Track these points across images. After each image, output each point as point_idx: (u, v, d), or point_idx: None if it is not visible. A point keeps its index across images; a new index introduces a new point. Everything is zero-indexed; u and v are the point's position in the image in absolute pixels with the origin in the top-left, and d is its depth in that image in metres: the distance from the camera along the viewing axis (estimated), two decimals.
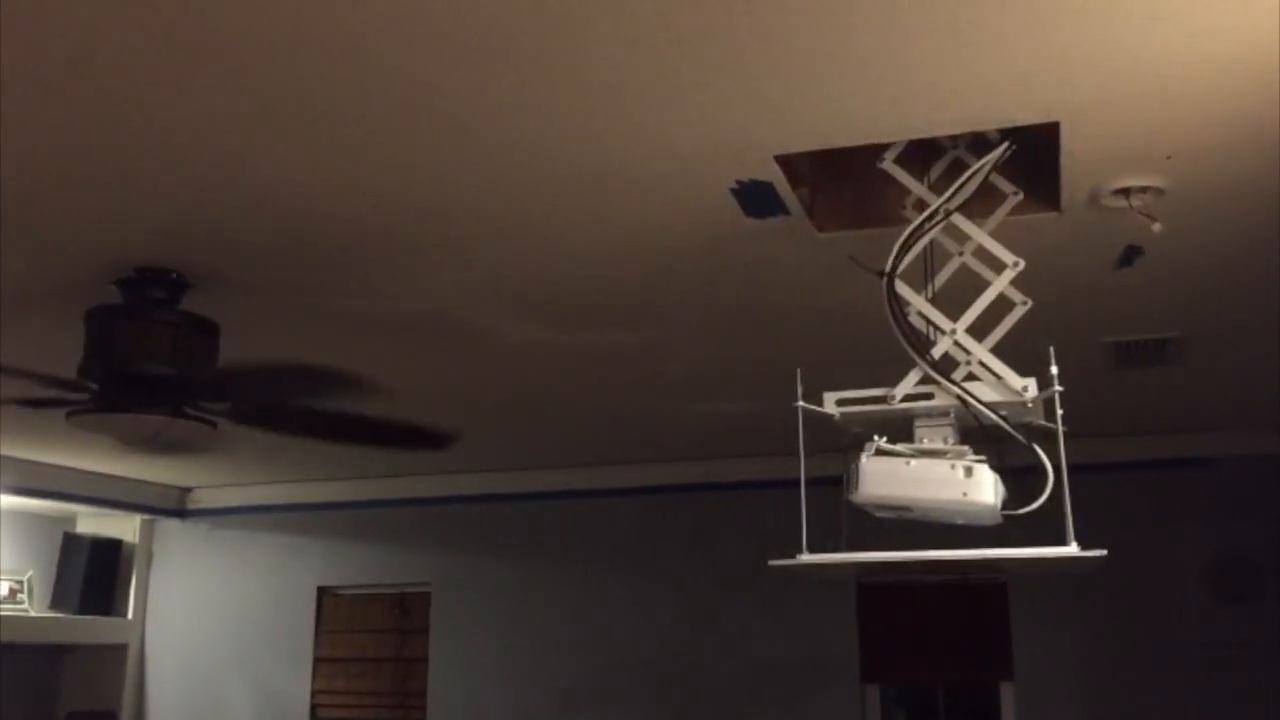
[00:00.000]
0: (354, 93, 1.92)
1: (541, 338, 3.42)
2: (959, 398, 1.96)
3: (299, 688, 5.79)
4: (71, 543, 5.92)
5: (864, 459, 1.95)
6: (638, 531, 5.45)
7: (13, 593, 5.63)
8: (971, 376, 2.02)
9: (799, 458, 2.01)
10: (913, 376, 2.02)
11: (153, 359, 2.76)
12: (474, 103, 1.96)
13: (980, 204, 2.16)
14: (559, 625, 5.46)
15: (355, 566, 5.86)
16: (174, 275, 2.77)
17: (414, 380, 3.85)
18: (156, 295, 2.77)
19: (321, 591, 5.90)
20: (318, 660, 5.82)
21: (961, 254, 2.20)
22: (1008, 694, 4.87)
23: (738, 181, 2.28)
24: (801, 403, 2.02)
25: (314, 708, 5.77)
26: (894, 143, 2.17)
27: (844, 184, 2.43)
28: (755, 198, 2.35)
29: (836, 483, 1.97)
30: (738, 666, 5.18)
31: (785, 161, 2.21)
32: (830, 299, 2.99)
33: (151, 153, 2.13)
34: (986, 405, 1.95)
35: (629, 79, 1.88)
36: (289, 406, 3.65)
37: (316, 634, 5.85)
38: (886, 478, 1.93)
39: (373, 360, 3.60)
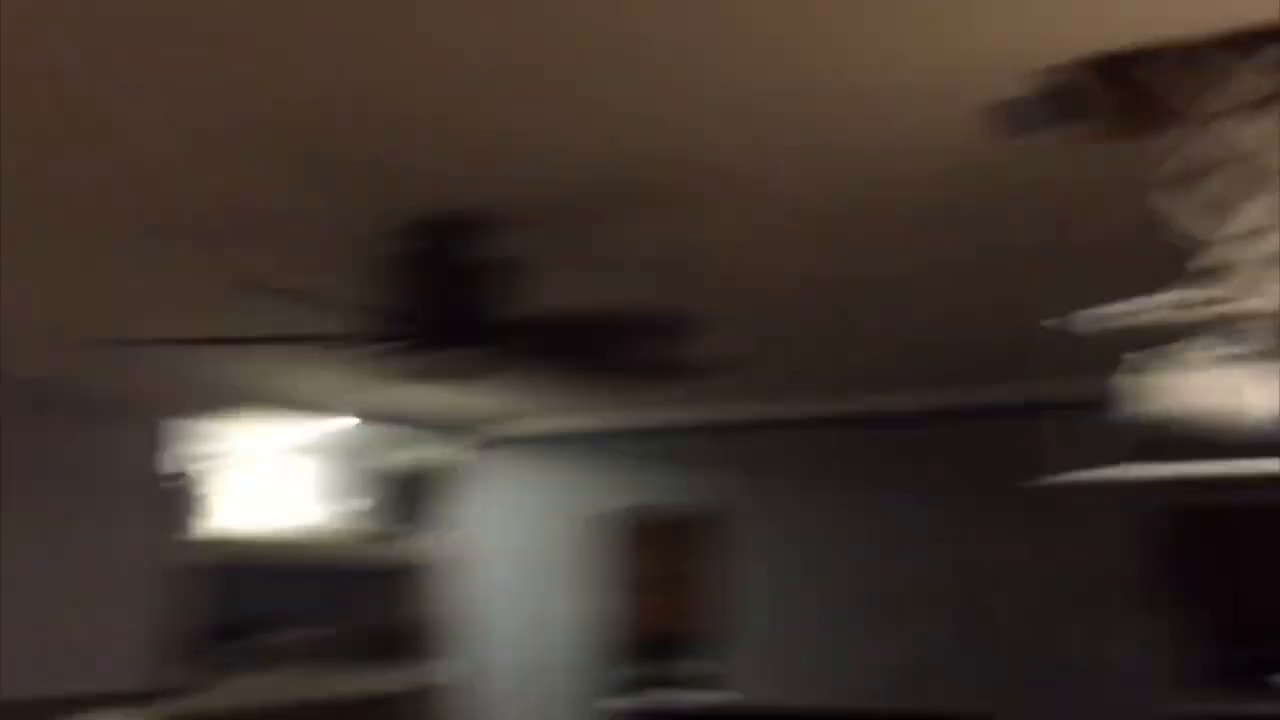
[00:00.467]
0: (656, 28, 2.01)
1: (822, 267, 3.48)
2: (1240, 308, 1.90)
3: (610, 605, 6.13)
4: (391, 471, 6.51)
5: (1152, 372, 1.91)
6: (930, 455, 5.45)
7: (353, 514, 6.25)
8: (1256, 284, 1.94)
9: (1077, 375, 2.01)
10: (1190, 286, 1.96)
11: (463, 298, 3.02)
12: (747, 33, 2.01)
13: (1267, 108, 2.05)
14: (855, 546, 5.55)
15: (661, 490, 6.12)
16: (481, 218, 2.98)
17: (701, 308, 3.97)
18: (465, 238, 3.02)
19: (621, 513, 6.21)
20: (627, 580, 6.13)
21: (1242, 160, 2.09)
22: None
23: (1007, 97, 2.25)
24: (1079, 315, 2.00)
25: (625, 625, 6.10)
26: (1170, 46, 2.09)
27: (1118, 93, 2.35)
28: (1025, 113, 2.32)
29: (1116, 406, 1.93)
30: (1038, 592, 5.10)
31: (1059, 72, 2.16)
32: (1103, 215, 2.89)
33: (465, 102, 2.32)
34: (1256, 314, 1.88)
35: None
36: (584, 348, 3.86)
37: (626, 554, 6.15)
38: (1164, 390, 1.90)
39: (664, 294, 3.77)
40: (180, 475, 5.19)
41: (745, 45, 2.08)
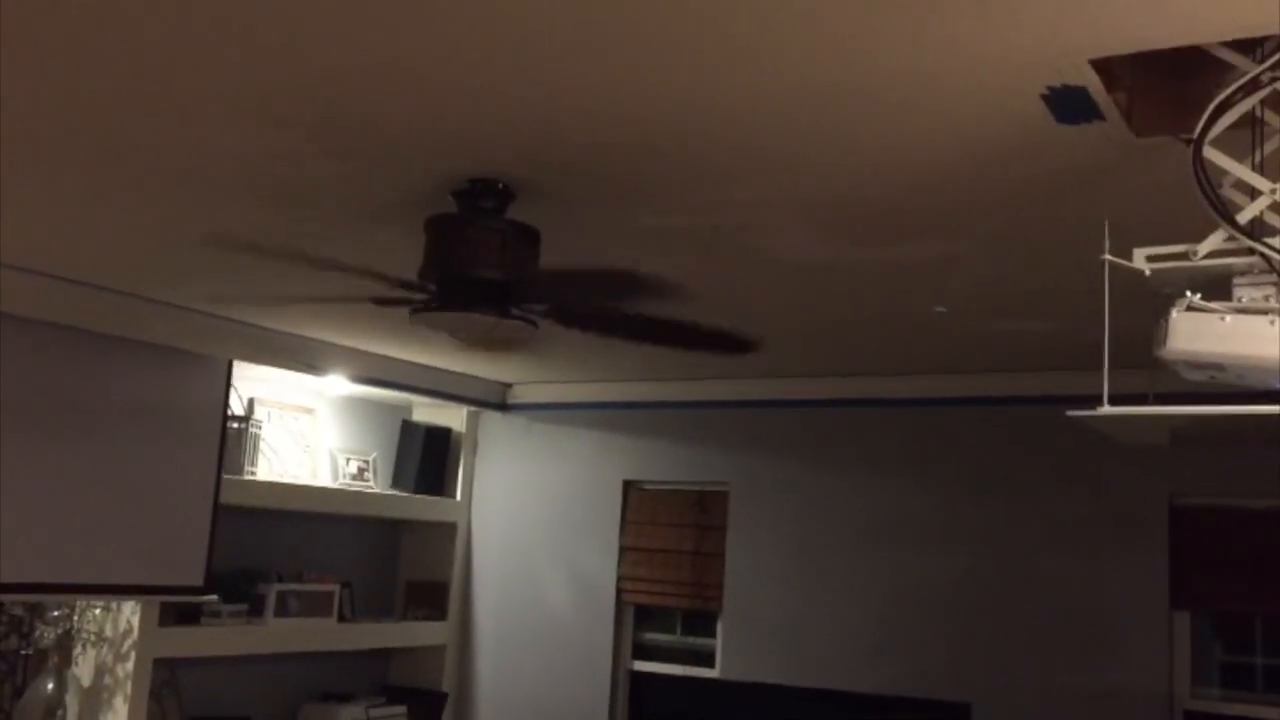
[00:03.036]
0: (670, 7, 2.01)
1: (835, 253, 3.46)
2: (1268, 257, 1.85)
3: (605, 572, 6.19)
4: (409, 429, 6.55)
5: (1174, 313, 1.87)
6: (936, 440, 5.43)
7: (360, 471, 6.31)
8: None
9: (1104, 318, 1.97)
10: (1218, 235, 1.92)
11: (482, 263, 3.02)
12: (780, 14, 2.00)
13: None
14: (852, 527, 5.55)
15: (659, 463, 6.16)
16: (501, 186, 3.00)
17: (712, 289, 3.98)
18: (486, 204, 3.02)
19: (627, 485, 6.25)
20: (623, 549, 6.19)
21: None
22: None
23: (1049, 87, 2.21)
24: (1108, 256, 1.98)
25: (619, 592, 6.17)
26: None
27: (1165, 85, 2.31)
28: (1068, 103, 2.28)
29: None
30: (1037, 583, 5.09)
31: (1101, 65, 2.13)
32: (1146, 207, 2.85)
33: (481, 75, 2.32)
34: None
35: None
36: (603, 309, 3.86)
37: (622, 524, 6.22)
38: (1197, 333, 1.85)
39: (673, 271, 3.77)
40: (233, 418, 5.33)
41: (785, 33, 2.05)
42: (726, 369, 5.65)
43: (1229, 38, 2.02)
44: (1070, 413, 1.95)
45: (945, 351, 4.90)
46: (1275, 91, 1.99)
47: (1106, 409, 1.90)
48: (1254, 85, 1.96)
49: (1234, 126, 2.06)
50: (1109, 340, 1.98)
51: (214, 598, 5.15)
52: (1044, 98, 2.27)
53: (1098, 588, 4.96)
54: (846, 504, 5.58)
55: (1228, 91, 1.95)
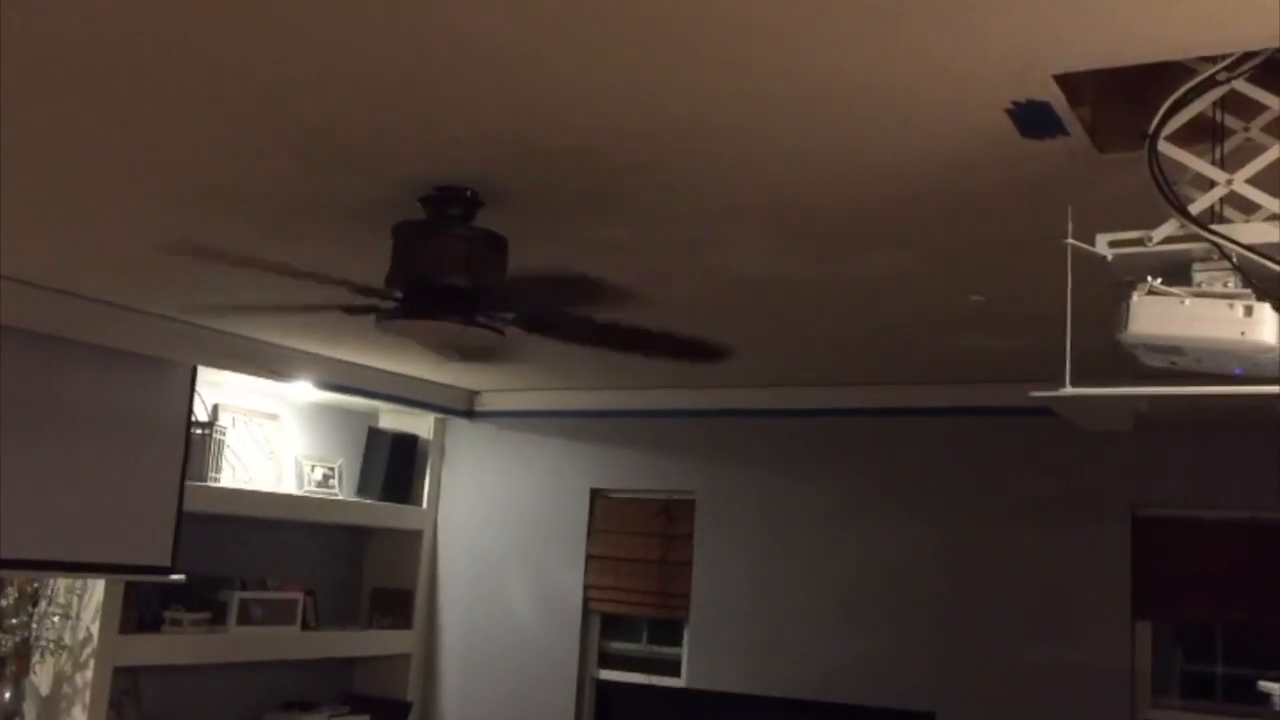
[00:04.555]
0: (636, 18, 2.01)
1: (800, 266, 3.48)
2: (1216, 243, 1.88)
3: (572, 581, 6.17)
4: (375, 436, 6.51)
5: (1135, 297, 1.89)
6: (901, 451, 5.45)
7: (326, 478, 6.26)
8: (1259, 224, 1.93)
9: (1067, 299, 1.98)
10: (1172, 223, 1.95)
11: (450, 270, 3.01)
12: (745, 26, 2.01)
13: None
14: (817, 538, 5.57)
15: (626, 472, 6.15)
16: (469, 193, 2.98)
17: (678, 300, 3.98)
18: (453, 212, 3.00)
19: (594, 493, 6.24)
20: (589, 557, 6.18)
21: (1248, 129, 2.08)
22: None
23: (1014, 102, 2.23)
24: (1071, 240, 2.00)
25: (586, 600, 6.15)
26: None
27: (1129, 101, 2.34)
28: (1032, 118, 2.30)
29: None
30: (999, 594, 5.13)
31: (1065, 80, 2.15)
32: (1110, 220, 2.87)
33: (451, 83, 2.31)
34: (1251, 248, 1.86)
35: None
36: (573, 316, 3.86)
37: (589, 533, 6.20)
38: (1158, 316, 1.87)
39: (638, 282, 3.77)
40: (198, 424, 5.30)
41: (752, 45, 2.06)
42: (694, 378, 5.65)
43: (1192, 55, 2.04)
44: (1033, 393, 1.95)
45: (909, 363, 4.92)
46: (1233, 92, 2.02)
47: (1069, 389, 1.90)
48: (1210, 84, 1.99)
49: (1198, 138, 2.09)
50: (1070, 324, 1.99)
51: (181, 577, 5.07)
52: (1009, 112, 2.28)
53: (1060, 598, 5.00)
54: (813, 513, 5.60)
55: (1183, 89, 1.98)
